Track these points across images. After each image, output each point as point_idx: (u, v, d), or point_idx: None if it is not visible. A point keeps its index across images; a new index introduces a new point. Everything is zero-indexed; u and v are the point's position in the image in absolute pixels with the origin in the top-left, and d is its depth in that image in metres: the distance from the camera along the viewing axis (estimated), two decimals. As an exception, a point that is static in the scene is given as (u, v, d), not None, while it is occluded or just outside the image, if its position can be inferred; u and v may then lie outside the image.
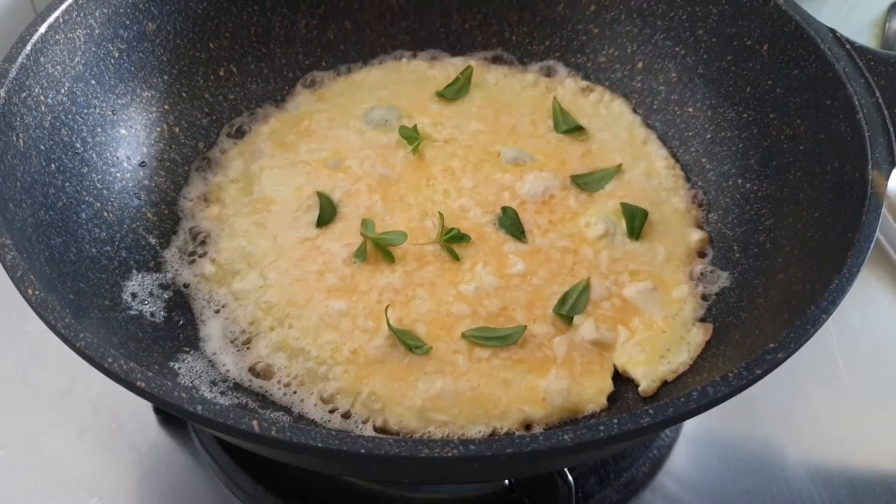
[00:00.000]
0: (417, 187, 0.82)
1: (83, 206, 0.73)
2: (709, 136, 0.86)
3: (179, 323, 0.73)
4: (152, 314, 0.72)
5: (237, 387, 0.69)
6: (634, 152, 0.86)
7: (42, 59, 0.72)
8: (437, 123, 0.88)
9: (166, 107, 0.84)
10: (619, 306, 0.74)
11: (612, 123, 0.89)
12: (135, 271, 0.74)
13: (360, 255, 0.76)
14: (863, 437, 0.84)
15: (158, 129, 0.83)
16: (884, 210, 0.64)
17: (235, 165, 0.84)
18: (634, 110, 0.90)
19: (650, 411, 0.52)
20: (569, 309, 0.73)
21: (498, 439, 0.50)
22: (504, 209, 0.79)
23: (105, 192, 0.76)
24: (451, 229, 0.77)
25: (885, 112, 0.69)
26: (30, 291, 0.57)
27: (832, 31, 0.75)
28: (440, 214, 0.79)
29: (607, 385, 0.70)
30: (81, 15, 0.76)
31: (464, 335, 0.71)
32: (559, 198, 0.82)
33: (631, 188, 0.83)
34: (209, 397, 0.65)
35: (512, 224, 0.79)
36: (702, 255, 0.79)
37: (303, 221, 0.79)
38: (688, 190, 0.84)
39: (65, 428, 0.81)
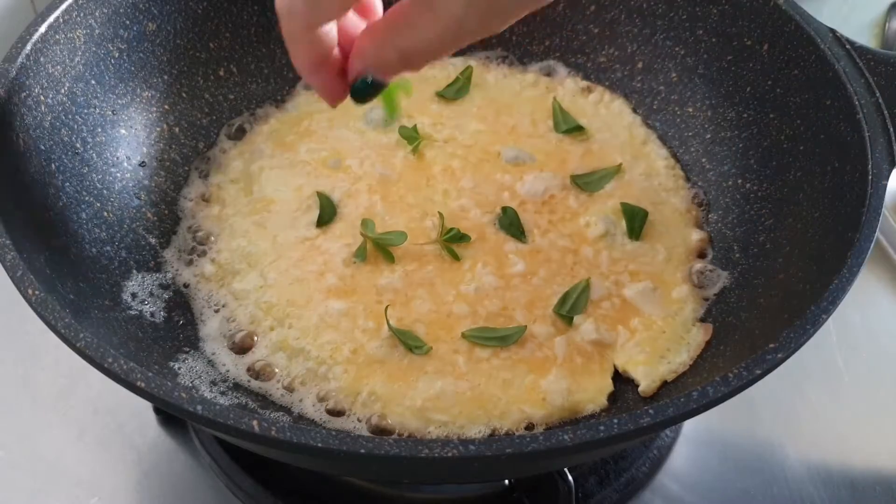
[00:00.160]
0: (417, 187, 0.82)
1: (83, 206, 0.73)
2: (709, 136, 0.86)
3: (179, 323, 0.73)
4: (152, 314, 0.72)
5: (237, 387, 0.69)
6: (634, 152, 0.86)
7: (42, 59, 0.72)
8: (437, 123, 0.88)
9: (166, 107, 0.84)
10: (619, 306, 0.74)
11: (612, 123, 0.89)
12: (135, 271, 0.74)
13: (360, 255, 0.76)
14: (863, 437, 0.84)
15: (158, 129, 0.83)
16: (884, 210, 0.64)
17: (235, 165, 0.84)
18: (634, 110, 0.90)
19: (650, 411, 0.52)
20: (569, 309, 0.73)
21: (498, 439, 0.50)
22: (504, 209, 0.79)
23: (105, 192, 0.76)
24: (451, 229, 0.77)
25: (885, 112, 0.69)
26: (30, 291, 0.57)
27: (832, 31, 0.75)
28: (440, 214, 0.79)
29: (607, 385, 0.70)
30: (81, 15, 0.76)
31: (464, 335, 0.71)
32: (559, 198, 0.82)
33: (631, 188, 0.83)
34: (209, 397, 0.65)
35: (512, 224, 0.79)
36: (702, 255, 0.79)
37: (303, 221, 0.79)
38: (688, 190, 0.84)
39: (65, 428, 0.81)
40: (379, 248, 0.76)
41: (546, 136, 0.87)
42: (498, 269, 0.76)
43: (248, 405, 0.68)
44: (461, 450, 0.49)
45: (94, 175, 0.76)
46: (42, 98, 0.72)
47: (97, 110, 0.78)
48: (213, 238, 0.79)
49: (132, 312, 0.71)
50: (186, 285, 0.76)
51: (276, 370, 0.70)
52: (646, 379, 0.70)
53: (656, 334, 0.73)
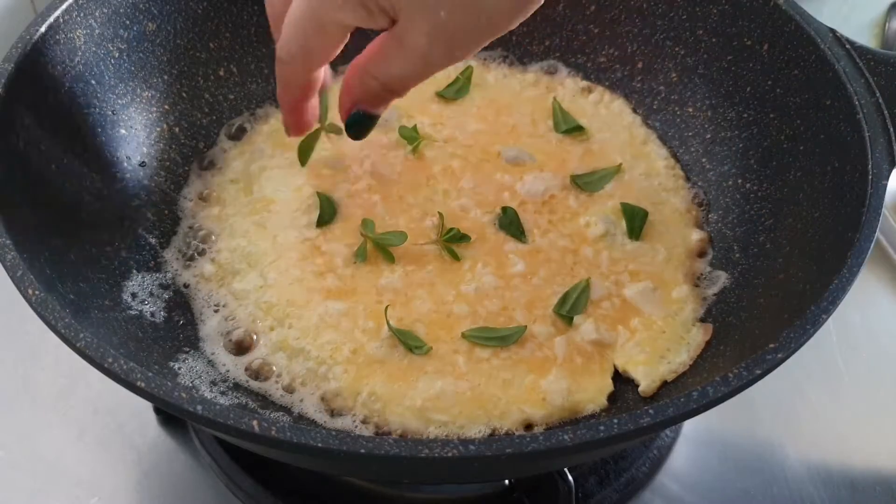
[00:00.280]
0: (417, 187, 0.82)
1: (83, 206, 0.73)
2: (709, 136, 0.86)
3: (179, 323, 0.73)
4: (152, 314, 0.72)
5: (237, 387, 0.69)
6: (634, 152, 0.86)
7: (42, 59, 0.72)
8: (437, 123, 0.88)
9: (166, 107, 0.84)
10: (619, 306, 0.74)
11: (612, 123, 0.89)
12: (135, 271, 0.74)
13: (361, 255, 0.76)
14: (863, 437, 0.84)
15: (158, 129, 0.83)
16: (884, 210, 0.64)
17: (235, 165, 0.84)
18: (634, 110, 0.90)
19: (650, 411, 0.52)
20: (569, 309, 0.73)
21: (498, 439, 0.50)
22: (504, 209, 0.79)
23: (105, 192, 0.76)
24: (451, 229, 0.77)
25: (885, 112, 0.69)
26: (30, 291, 0.57)
27: (832, 31, 0.75)
28: (440, 214, 0.79)
29: (607, 385, 0.70)
30: (81, 15, 0.76)
31: (464, 335, 0.71)
32: (559, 198, 0.82)
33: (631, 188, 0.83)
34: (209, 397, 0.65)
35: (512, 224, 0.79)
36: (702, 255, 0.79)
37: (303, 221, 0.79)
38: (688, 190, 0.84)
39: (65, 428, 0.81)
40: (379, 249, 0.76)
41: (546, 136, 0.87)
42: (498, 269, 0.76)
43: (248, 405, 0.68)
44: (461, 450, 0.49)
45: (94, 175, 0.76)
46: (42, 98, 0.72)
47: (97, 110, 0.78)
48: (213, 238, 0.79)
49: (132, 312, 0.71)
50: (186, 285, 0.76)
51: (276, 370, 0.70)
52: (646, 379, 0.70)
53: (656, 334, 0.73)
